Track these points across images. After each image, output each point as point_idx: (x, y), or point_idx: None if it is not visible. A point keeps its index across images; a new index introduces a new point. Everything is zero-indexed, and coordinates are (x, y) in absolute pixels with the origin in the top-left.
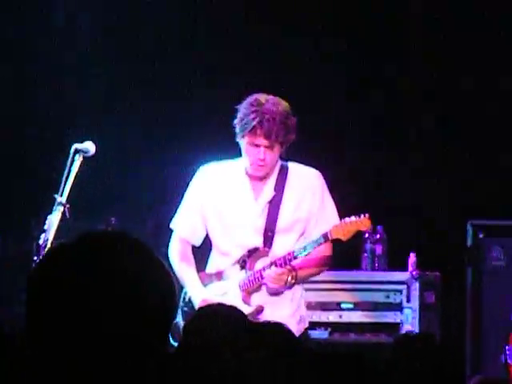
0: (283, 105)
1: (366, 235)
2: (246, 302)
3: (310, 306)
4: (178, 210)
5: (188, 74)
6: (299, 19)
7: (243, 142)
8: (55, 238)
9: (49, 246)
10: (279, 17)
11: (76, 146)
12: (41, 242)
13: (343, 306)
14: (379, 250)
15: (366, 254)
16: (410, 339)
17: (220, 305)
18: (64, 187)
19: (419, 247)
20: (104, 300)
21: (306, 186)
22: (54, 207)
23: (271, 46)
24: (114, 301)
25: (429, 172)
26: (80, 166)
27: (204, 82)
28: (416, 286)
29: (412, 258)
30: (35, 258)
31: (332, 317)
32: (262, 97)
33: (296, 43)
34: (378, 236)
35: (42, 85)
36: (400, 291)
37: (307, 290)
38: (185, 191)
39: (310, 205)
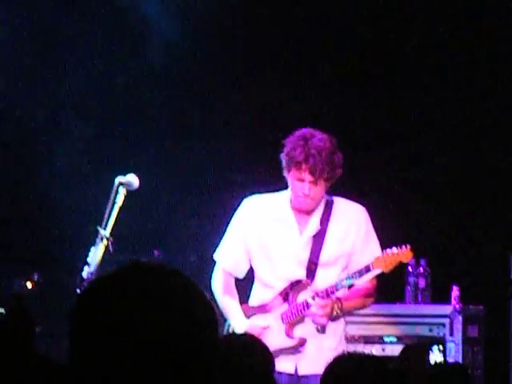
0: (330, 140)
1: (410, 268)
2: (289, 334)
3: (353, 339)
4: (222, 242)
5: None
6: None
7: (289, 177)
8: (98, 271)
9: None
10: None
11: (119, 178)
12: (84, 274)
13: (386, 339)
14: (422, 283)
15: (409, 287)
16: (445, 368)
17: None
18: (108, 220)
19: (462, 280)
20: (148, 333)
21: (351, 220)
22: (98, 240)
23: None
24: (159, 334)
25: (473, 203)
26: (123, 198)
27: (250, 115)
28: (459, 319)
29: (455, 291)
30: (78, 290)
31: (375, 350)
32: (309, 132)
33: None
34: (421, 269)
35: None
36: (443, 324)
37: (350, 322)
38: (229, 223)
39: (354, 239)
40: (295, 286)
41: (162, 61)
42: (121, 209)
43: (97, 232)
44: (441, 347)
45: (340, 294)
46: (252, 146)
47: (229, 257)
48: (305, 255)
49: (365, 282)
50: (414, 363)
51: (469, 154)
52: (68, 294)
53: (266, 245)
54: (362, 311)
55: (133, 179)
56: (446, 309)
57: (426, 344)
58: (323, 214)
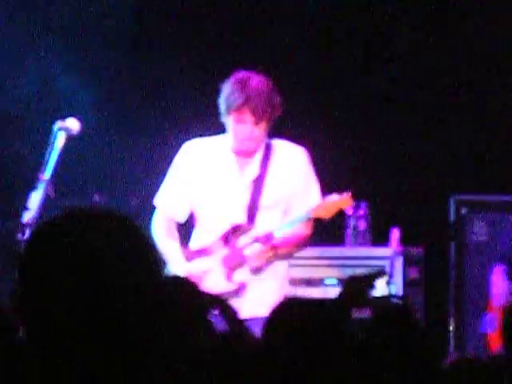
0: (268, 82)
1: (349, 211)
2: (229, 278)
3: (295, 282)
4: (162, 187)
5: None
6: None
7: (229, 120)
8: (39, 216)
9: (33, 223)
10: None
11: (59, 123)
12: (24, 220)
13: (327, 281)
14: (362, 225)
15: (349, 230)
16: (389, 309)
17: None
18: (47, 165)
19: (402, 223)
20: (93, 277)
21: (291, 163)
22: (38, 185)
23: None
24: (103, 277)
25: (412, 147)
26: (64, 143)
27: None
28: (399, 261)
29: (395, 233)
30: (19, 235)
31: (316, 293)
32: (246, 74)
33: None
34: (362, 212)
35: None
36: (383, 267)
37: (291, 266)
38: (169, 167)
39: (293, 182)
40: (236, 230)
41: None
42: (61, 153)
43: (37, 177)
44: (384, 280)
45: (277, 239)
46: (198, 89)
47: (169, 201)
48: (245, 199)
49: (302, 229)
50: (356, 294)
51: (410, 95)
52: (5, 239)
53: (207, 188)
54: (302, 253)
55: (72, 123)
56: (387, 251)
57: (370, 276)
58: (263, 157)
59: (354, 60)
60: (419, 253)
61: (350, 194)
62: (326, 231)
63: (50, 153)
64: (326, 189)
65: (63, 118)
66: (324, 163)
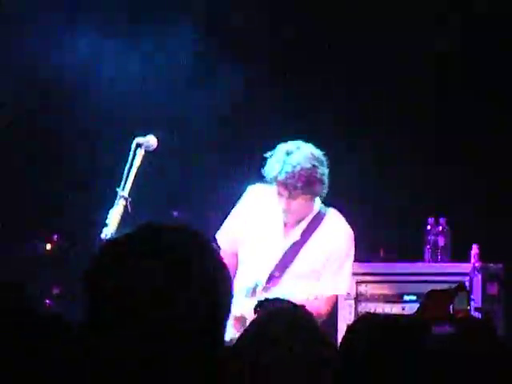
0: (311, 156)
1: (429, 227)
2: (236, 327)
3: (373, 298)
4: (225, 222)
5: None
6: None
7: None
8: (117, 232)
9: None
10: None
11: (138, 139)
12: (103, 235)
13: (406, 298)
14: (442, 241)
15: (428, 246)
16: (471, 324)
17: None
18: (126, 181)
19: (482, 238)
20: (164, 289)
21: (333, 242)
22: (116, 201)
23: None
24: (174, 291)
25: (495, 162)
26: (142, 160)
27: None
28: (478, 277)
29: (474, 249)
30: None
31: (395, 309)
32: (293, 146)
33: None
34: (441, 228)
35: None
36: (463, 282)
37: (370, 282)
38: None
39: (328, 262)
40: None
41: None
42: (139, 169)
43: (116, 193)
44: (464, 294)
45: None
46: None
47: (226, 237)
48: (275, 262)
49: (317, 304)
50: (437, 309)
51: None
52: (87, 256)
53: (251, 237)
54: (382, 270)
55: (151, 140)
56: (466, 267)
57: (450, 290)
58: (308, 225)
59: None
60: (499, 269)
61: None
62: (405, 247)
63: (129, 169)
64: (411, 205)
65: (142, 134)
66: (403, 178)
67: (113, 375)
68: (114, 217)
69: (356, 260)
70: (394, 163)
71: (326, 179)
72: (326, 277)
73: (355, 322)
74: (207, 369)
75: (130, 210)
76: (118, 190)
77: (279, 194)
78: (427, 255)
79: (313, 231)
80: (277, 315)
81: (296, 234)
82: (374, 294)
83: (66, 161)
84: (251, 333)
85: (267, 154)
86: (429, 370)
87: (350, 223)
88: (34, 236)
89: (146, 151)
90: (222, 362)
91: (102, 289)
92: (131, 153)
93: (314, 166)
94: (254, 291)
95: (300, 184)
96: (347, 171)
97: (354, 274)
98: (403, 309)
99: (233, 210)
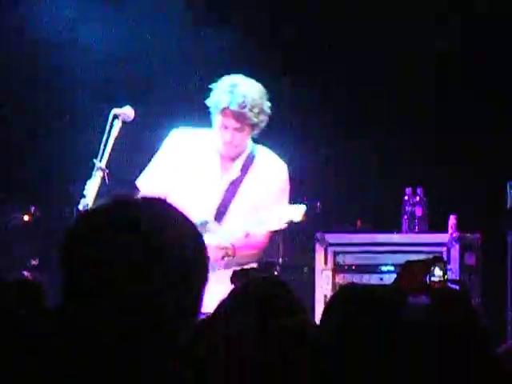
0: (257, 88)
1: (406, 197)
2: None
3: (351, 269)
4: (146, 169)
5: None
6: None
7: (215, 122)
8: (94, 203)
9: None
10: None
11: (115, 110)
12: (80, 207)
13: (383, 268)
14: (419, 212)
15: (405, 217)
16: (446, 295)
17: None
18: (103, 152)
19: (459, 209)
20: (141, 264)
21: (269, 176)
22: (94, 172)
23: None
24: (151, 265)
25: (470, 131)
26: (119, 131)
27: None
28: (456, 247)
29: (452, 219)
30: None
31: (373, 280)
32: (237, 78)
33: None
34: (418, 198)
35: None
36: (440, 253)
37: (347, 252)
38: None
39: (266, 195)
40: (203, 226)
41: None
42: (116, 141)
43: (93, 165)
44: (441, 266)
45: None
46: None
47: (150, 183)
48: (219, 198)
49: (259, 237)
50: (413, 279)
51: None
52: (65, 227)
53: (186, 179)
54: (358, 240)
55: (128, 111)
56: (443, 237)
57: (427, 261)
58: (244, 162)
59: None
60: (476, 239)
61: (303, 207)
62: (382, 218)
63: (106, 140)
64: (388, 175)
65: (119, 105)
66: (379, 149)
67: (89, 347)
68: (92, 188)
69: (333, 231)
70: (373, 132)
71: (269, 112)
72: (266, 210)
73: (335, 292)
74: (183, 342)
75: (107, 181)
76: (95, 161)
77: (223, 126)
78: (405, 225)
79: (248, 167)
80: (251, 286)
81: (234, 170)
82: (352, 265)
83: (43, 132)
84: (226, 304)
85: (211, 86)
86: (404, 341)
87: (327, 193)
88: (11, 208)
89: (123, 122)
90: (197, 335)
91: (77, 260)
92: (108, 124)
93: (261, 97)
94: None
95: (251, 114)
96: (325, 141)
97: (332, 244)
98: (381, 279)
99: (156, 156)
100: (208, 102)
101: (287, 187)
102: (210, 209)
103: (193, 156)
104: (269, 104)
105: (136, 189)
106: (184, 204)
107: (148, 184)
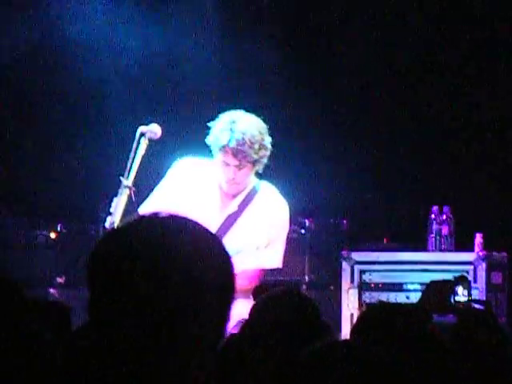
0: (257, 124)
1: (433, 216)
2: None
3: (377, 287)
4: (149, 197)
5: None
6: None
7: (216, 159)
8: (121, 220)
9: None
10: None
11: (141, 128)
12: (107, 224)
13: (410, 286)
14: (445, 230)
15: (432, 235)
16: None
17: None
18: (130, 170)
19: (486, 227)
20: (164, 278)
21: (266, 213)
22: (120, 190)
23: None
24: (178, 283)
25: (497, 151)
26: (146, 148)
27: None
28: (483, 266)
29: (478, 238)
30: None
31: (399, 298)
32: (236, 115)
33: None
34: (445, 217)
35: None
36: (467, 272)
37: (374, 270)
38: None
39: (259, 237)
40: None
41: None
42: (143, 158)
43: (119, 182)
44: (465, 285)
45: None
46: None
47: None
48: (213, 231)
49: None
50: (438, 299)
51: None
52: (91, 245)
53: (184, 210)
54: (384, 258)
55: (154, 128)
56: (470, 256)
57: (452, 281)
58: (244, 198)
59: None
60: (503, 257)
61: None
62: (409, 236)
63: (133, 158)
64: (414, 193)
65: (146, 123)
66: (405, 167)
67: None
68: (118, 206)
69: (359, 249)
70: (398, 151)
71: (270, 147)
72: (261, 249)
73: (362, 312)
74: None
75: (133, 199)
76: (121, 178)
77: (225, 163)
78: (431, 244)
79: (248, 203)
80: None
81: (233, 206)
82: (378, 283)
83: (69, 147)
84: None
85: (210, 124)
86: (431, 360)
87: (354, 211)
88: (38, 225)
89: (149, 140)
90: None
91: (103, 279)
92: (135, 142)
93: (260, 133)
94: None
95: (250, 151)
96: (351, 161)
97: (358, 262)
98: (407, 297)
99: (160, 183)
100: (207, 140)
101: (285, 226)
102: None
103: (194, 187)
104: (269, 139)
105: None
106: None
107: (149, 210)
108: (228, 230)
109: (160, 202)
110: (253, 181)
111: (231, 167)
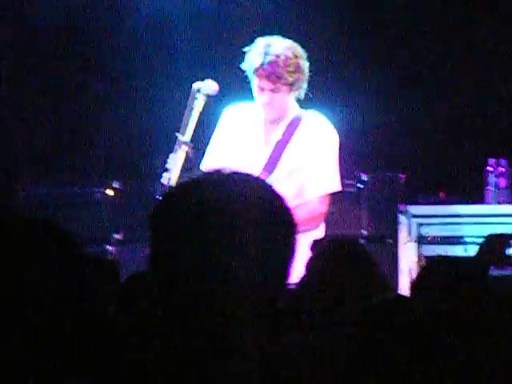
0: (292, 47)
1: (490, 168)
2: None
3: (435, 241)
4: (206, 150)
5: None
6: None
7: (252, 85)
8: (179, 177)
9: (173, 184)
10: None
11: (196, 84)
12: (164, 180)
13: (467, 239)
14: (503, 183)
15: (489, 188)
16: None
17: None
18: (187, 126)
19: None
20: (224, 238)
21: (315, 138)
22: (177, 146)
23: None
24: (235, 238)
25: None
26: (202, 104)
27: None
28: None
29: None
30: (158, 197)
31: (457, 251)
32: (272, 39)
33: None
34: (502, 169)
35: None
36: None
37: (431, 224)
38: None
39: (312, 158)
40: None
41: None
42: (200, 114)
43: (176, 139)
44: None
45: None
46: None
47: (211, 164)
48: (264, 161)
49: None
50: (493, 252)
51: None
52: (148, 201)
53: (234, 150)
54: (442, 211)
55: (211, 84)
56: None
57: (507, 235)
58: (288, 125)
59: None
60: None
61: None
62: (466, 189)
63: (189, 114)
64: (471, 146)
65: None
66: (462, 119)
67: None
68: (176, 162)
69: (417, 202)
70: (457, 102)
71: (307, 72)
72: (315, 174)
73: (425, 265)
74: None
75: (191, 155)
76: (178, 135)
77: (260, 88)
78: (488, 196)
79: (293, 131)
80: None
81: (277, 134)
82: (436, 236)
83: (125, 104)
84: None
85: (245, 49)
86: (494, 313)
87: (411, 164)
88: (94, 182)
89: (206, 96)
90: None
91: (161, 236)
92: (190, 97)
93: (295, 56)
94: None
95: (284, 72)
96: (409, 111)
97: (415, 216)
98: (465, 250)
99: (214, 134)
100: (243, 65)
101: (335, 149)
102: (257, 170)
103: (241, 127)
104: (307, 64)
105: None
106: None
107: (210, 165)
108: (279, 156)
109: (217, 153)
110: (295, 109)
111: (266, 91)
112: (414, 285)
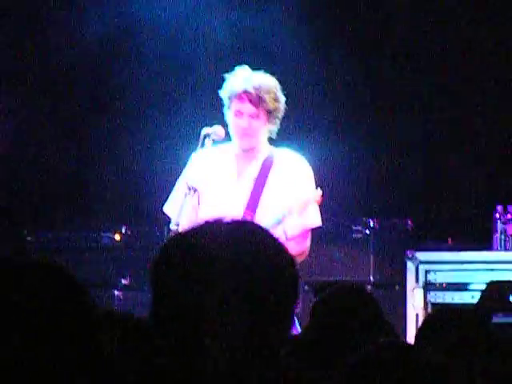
0: (272, 79)
1: (497, 215)
2: None
3: (442, 287)
4: (170, 195)
5: None
6: None
7: (230, 112)
8: (187, 223)
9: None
10: None
11: (205, 129)
12: (172, 226)
13: (475, 286)
14: (510, 230)
15: (497, 234)
16: None
17: None
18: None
19: None
20: (226, 283)
21: (293, 167)
22: (185, 192)
23: None
24: (237, 284)
25: None
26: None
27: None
28: None
29: None
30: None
31: (464, 298)
32: (252, 70)
33: None
34: (509, 216)
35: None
36: None
37: (438, 270)
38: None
39: (293, 195)
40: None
41: None
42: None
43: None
44: None
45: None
46: None
47: (174, 207)
48: (245, 197)
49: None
50: (496, 299)
51: None
52: (156, 246)
53: (208, 190)
54: (449, 258)
55: (219, 130)
56: None
57: (510, 282)
58: (264, 162)
59: None
60: None
61: (319, 190)
62: (473, 235)
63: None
64: (479, 192)
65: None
66: (470, 166)
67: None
68: (184, 209)
69: (424, 249)
70: (462, 151)
71: (284, 106)
72: (297, 211)
73: (431, 314)
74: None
75: (198, 201)
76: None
77: (239, 112)
78: (496, 243)
79: (270, 166)
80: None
81: (254, 169)
82: (443, 283)
83: (132, 149)
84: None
85: (225, 76)
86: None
87: (418, 211)
88: (102, 227)
89: (213, 141)
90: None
91: (165, 281)
92: (199, 143)
93: (276, 87)
94: None
95: (266, 97)
96: (418, 158)
97: (423, 262)
98: (472, 297)
99: (179, 179)
100: (222, 92)
101: (313, 184)
102: (239, 209)
103: (212, 166)
104: (284, 98)
105: (164, 215)
106: (211, 210)
107: (174, 208)
108: (261, 191)
109: (180, 195)
110: (266, 144)
111: (245, 117)
112: (418, 334)
